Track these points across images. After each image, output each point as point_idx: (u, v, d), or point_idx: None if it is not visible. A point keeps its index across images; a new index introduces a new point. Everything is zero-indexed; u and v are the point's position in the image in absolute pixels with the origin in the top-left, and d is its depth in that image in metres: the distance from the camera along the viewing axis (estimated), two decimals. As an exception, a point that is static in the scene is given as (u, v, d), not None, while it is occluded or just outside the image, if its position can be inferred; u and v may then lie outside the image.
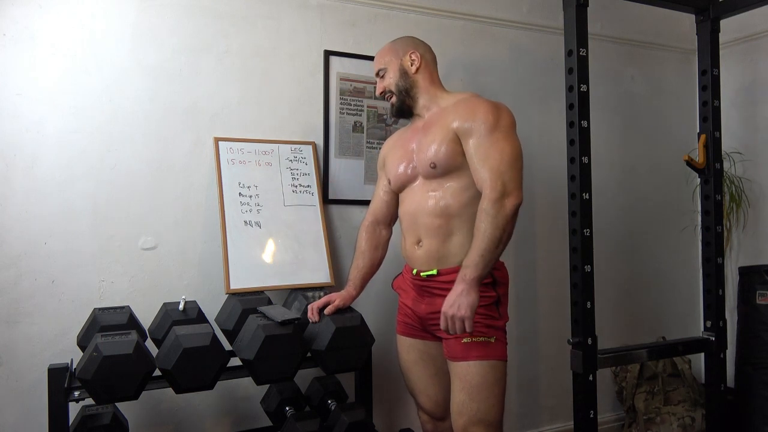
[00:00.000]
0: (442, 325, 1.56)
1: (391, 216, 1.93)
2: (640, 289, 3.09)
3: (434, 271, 1.70)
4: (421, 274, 1.73)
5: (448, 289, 1.64)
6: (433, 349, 1.81)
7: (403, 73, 1.79)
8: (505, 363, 1.67)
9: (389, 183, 1.85)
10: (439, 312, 1.67)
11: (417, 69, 1.79)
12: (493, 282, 1.67)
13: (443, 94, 1.80)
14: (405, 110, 1.81)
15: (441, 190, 1.68)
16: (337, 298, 1.84)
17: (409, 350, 1.85)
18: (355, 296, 1.89)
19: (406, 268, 1.84)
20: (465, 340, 1.61)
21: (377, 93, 1.85)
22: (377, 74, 1.85)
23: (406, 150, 1.79)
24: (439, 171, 1.67)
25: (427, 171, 1.70)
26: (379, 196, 1.93)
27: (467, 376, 1.61)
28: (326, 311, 1.81)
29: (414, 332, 1.83)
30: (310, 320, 1.82)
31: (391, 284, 1.94)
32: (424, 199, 1.71)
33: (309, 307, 1.84)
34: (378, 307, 2.41)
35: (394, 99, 1.81)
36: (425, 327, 1.78)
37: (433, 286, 1.71)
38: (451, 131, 1.65)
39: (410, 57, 1.80)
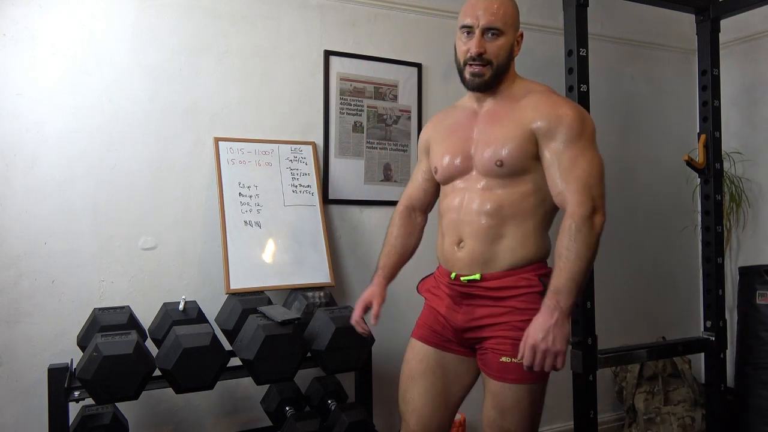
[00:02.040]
0: (527, 360, 1.32)
1: (429, 203, 1.73)
2: (640, 289, 3.09)
3: (477, 276, 1.46)
4: (462, 278, 1.48)
5: (492, 297, 1.45)
6: (452, 363, 1.56)
7: (510, 51, 1.49)
8: (545, 384, 1.48)
9: (435, 171, 1.58)
10: (480, 323, 1.47)
11: (516, 54, 1.52)
12: (543, 290, 1.40)
13: (517, 80, 1.54)
14: (489, 88, 1.50)
15: (499, 190, 1.45)
16: (373, 299, 1.62)
17: (423, 359, 1.58)
18: (385, 285, 1.67)
19: (441, 271, 1.58)
20: (504, 359, 1.41)
21: (476, 49, 1.43)
22: (487, 29, 1.45)
23: (460, 137, 1.52)
24: (505, 171, 1.43)
25: (489, 168, 1.45)
26: (418, 181, 1.71)
27: (500, 396, 1.43)
28: (373, 318, 1.61)
29: (438, 341, 1.57)
30: (361, 332, 1.64)
31: (417, 286, 1.70)
32: (475, 196, 1.47)
33: (353, 322, 1.63)
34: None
35: (488, 71, 1.46)
36: (461, 340, 1.53)
37: (475, 293, 1.47)
38: (527, 130, 1.42)
39: (519, 38, 1.52)
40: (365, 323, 1.62)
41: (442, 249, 1.56)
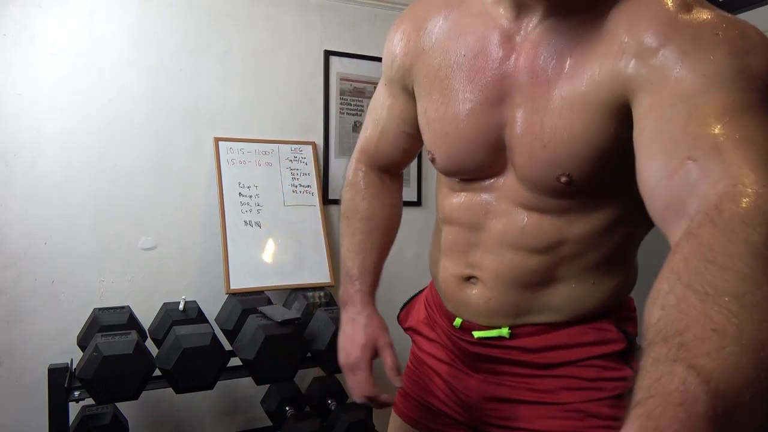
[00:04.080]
0: None
1: (406, 165, 1.03)
2: (640, 290, 3.09)
3: (504, 331, 0.84)
4: (474, 333, 0.86)
5: (531, 364, 0.84)
6: None
7: None
8: None
9: (432, 159, 0.85)
10: (510, 399, 0.86)
11: None
12: (629, 347, 0.87)
13: None
14: None
15: (559, 217, 0.77)
16: (378, 342, 0.94)
17: None
18: (375, 307, 1.02)
19: (438, 304, 0.95)
20: None
21: None
22: None
23: (487, 100, 0.75)
24: (573, 190, 0.73)
25: (543, 182, 0.74)
26: (391, 133, 0.94)
27: None
28: (395, 377, 0.89)
29: (432, 424, 0.94)
30: (384, 403, 0.92)
31: (398, 316, 1.09)
32: (511, 218, 0.79)
33: (366, 397, 0.91)
34: (377, 305, 2.40)
35: None
36: (473, 421, 0.90)
37: (500, 357, 0.86)
38: (616, 92, 0.66)
39: None
40: (379, 391, 0.90)
41: (436, 270, 0.92)
